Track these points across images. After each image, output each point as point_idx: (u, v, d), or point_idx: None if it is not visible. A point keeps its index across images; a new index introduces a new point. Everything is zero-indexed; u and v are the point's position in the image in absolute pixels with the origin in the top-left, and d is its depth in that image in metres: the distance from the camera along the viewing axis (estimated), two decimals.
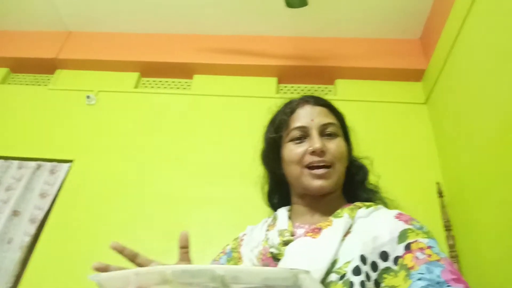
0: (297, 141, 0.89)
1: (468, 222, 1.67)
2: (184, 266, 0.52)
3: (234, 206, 1.88)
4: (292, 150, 0.89)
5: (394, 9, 2.27)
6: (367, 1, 2.24)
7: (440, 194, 1.84)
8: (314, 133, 0.87)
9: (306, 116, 0.91)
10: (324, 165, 0.85)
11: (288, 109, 0.95)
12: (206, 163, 2.06)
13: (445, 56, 1.97)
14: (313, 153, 0.85)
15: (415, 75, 2.31)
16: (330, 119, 0.91)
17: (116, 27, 2.57)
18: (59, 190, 2.02)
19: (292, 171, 0.88)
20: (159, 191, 1.99)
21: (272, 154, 0.96)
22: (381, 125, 2.14)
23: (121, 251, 0.72)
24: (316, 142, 0.86)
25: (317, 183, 0.84)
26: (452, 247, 1.69)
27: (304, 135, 0.89)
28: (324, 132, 0.89)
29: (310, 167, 0.85)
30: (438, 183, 1.87)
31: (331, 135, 0.89)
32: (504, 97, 1.43)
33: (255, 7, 2.33)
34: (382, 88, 2.32)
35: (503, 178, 1.41)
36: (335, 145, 0.87)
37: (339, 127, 0.92)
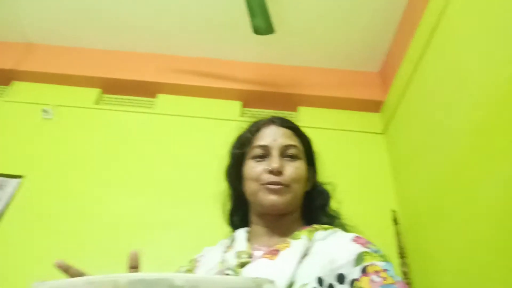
0: (258, 159, 0.91)
1: (422, 250, 1.72)
2: (141, 275, 0.48)
3: (194, 229, 1.84)
4: (252, 167, 0.90)
5: (356, 42, 2.37)
6: (330, 33, 2.32)
7: (395, 221, 1.89)
8: (275, 153, 0.89)
9: (269, 136, 0.93)
10: (280, 184, 0.86)
11: (254, 127, 0.97)
12: (166, 184, 2.02)
13: (403, 89, 2.07)
14: (271, 172, 0.86)
15: (374, 106, 2.40)
16: (293, 141, 0.93)
17: (79, 42, 2.51)
18: (6, 207, 1.91)
19: (250, 188, 0.90)
20: (114, 213, 1.91)
21: (235, 170, 0.97)
22: (341, 152, 2.19)
23: (66, 269, 0.68)
24: (274, 162, 0.87)
25: (271, 198, 0.85)
26: (406, 275, 1.73)
27: (265, 154, 0.90)
28: (285, 153, 0.90)
29: (266, 184, 0.86)
30: (393, 211, 1.92)
31: (292, 157, 0.90)
32: (456, 130, 1.51)
33: (223, 31, 2.36)
34: (343, 117, 2.38)
35: (455, 207, 1.48)
36: (293, 167, 0.89)
37: (302, 150, 0.94)
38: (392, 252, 1.80)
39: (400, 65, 2.13)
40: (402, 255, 1.78)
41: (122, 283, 0.48)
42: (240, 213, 1.02)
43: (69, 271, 0.69)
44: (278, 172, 0.86)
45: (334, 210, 0.98)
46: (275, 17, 2.04)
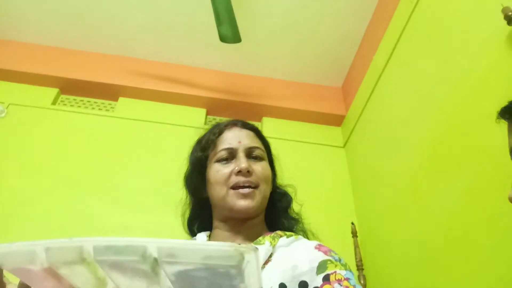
0: (224, 162, 0.89)
1: (379, 262, 1.76)
2: (109, 239, 0.41)
3: (152, 235, 1.79)
4: (218, 171, 0.88)
5: (320, 57, 2.42)
6: (295, 46, 2.36)
7: (354, 234, 1.92)
8: (241, 155, 0.89)
9: (233, 138, 0.92)
10: (249, 185, 0.85)
11: (216, 130, 0.95)
12: (125, 190, 1.96)
13: (363, 104, 2.13)
14: (239, 173, 0.86)
15: (336, 120, 2.45)
16: (256, 143, 0.93)
17: (39, 38, 2.41)
18: None
19: (217, 192, 0.88)
20: (69, 218, 1.83)
21: (196, 175, 0.95)
22: (303, 164, 2.21)
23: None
24: (242, 162, 0.87)
25: (243, 203, 0.84)
26: (363, 287, 1.76)
27: (231, 156, 0.90)
28: (250, 155, 0.90)
29: (236, 187, 0.85)
30: (352, 223, 1.96)
31: (257, 158, 0.91)
32: (413, 145, 1.57)
33: (189, 37, 2.34)
34: (305, 130, 2.42)
35: (410, 220, 1.52)
36: (260, 167, 0.89)
37: (265, 152, 0.94)
38: (350, 264, 1.82)
39: (362, 80, 2.19)
40: (359, 267, 1.82)
41: (87, 250, 0.41)
42: (200, 220, 1.00)
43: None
44: (247, 173, 0.86)
45: (296, 213, 0.98)
46: (243, 27, 2.05)
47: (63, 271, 0.45)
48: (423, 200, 1.45)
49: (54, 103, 2.29)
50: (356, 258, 1.84)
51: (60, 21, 2.32)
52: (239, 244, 0.39)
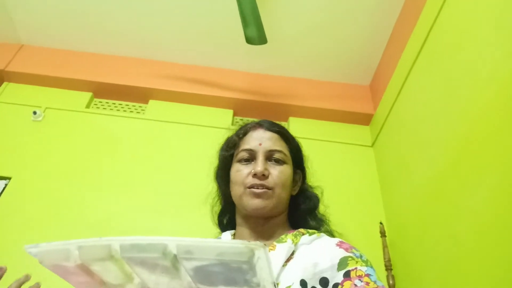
0: (244, 162, 0.92)
1: (408, 262, 1.73)
2: (134, 239, 0.46)
3: (184, 235, 1.83)
4: (238, 171, 0.91)
5: (347, 56, 2.41)
6: (322, 46, 2.36)
7: (383, 234, 1.90)
8: (260, 157, 0.90)
9: (255, 140, 0.93)
10: (263, 187, 0.87)
11: (242, 130, 0.98)
12: (156, 192, 2.01)
13: (392, 102, 2.10)
14: (255, 175, 0.87)
15: (364, 119, 2.43)
16: (279, 146, 0.94)
17: (72, 45, 2.51)
18: None
19: (236, 190, 0.91)
20: (101, 219, 1.89)
21: (222, 172, 0.98)
22: (330, 164, 2.21)
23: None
24: (259, 165, 0.88)
25: (254, 202, 0.86)
26: (392, 287, 1.74)
27: (251, 157, 0.92)
28: (271, 158, 0.91)
29: (251, 187, 0.87)
30: (381, 223, 1.94)
31: (278, 161, 0.91)
32: (442, 144, 1.54)
33: (216, 39, 2.38)
34: (333, 129, 2.41)
35: (439, 220, 1.50)
36: (278, 171, 0.90)
37: (288, 154, 0.95)
38: (379, 265, 1.81)
39: (390, 79, 2.16)
40: (388, 267, 1.80)
41: (115, 248, 0.46)
42: (228, 214, 1.02)
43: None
44: (262, 176, 0.87)
45: (322, 215, 0.99)
46: (269, 28, 2.06)
47: (94, 267, 0.49)
48: (453, 200, 1.42)
49: (88, 106, 2.38)
50: (384, 258, 1.82)
51: (91, 28, 2.40)
52: (249, 241, 0.42)
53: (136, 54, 2.51)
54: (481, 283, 1.20)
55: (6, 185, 1.97)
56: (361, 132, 2.41)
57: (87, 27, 2.41)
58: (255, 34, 1.97)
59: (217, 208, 1.05)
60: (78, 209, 1.92)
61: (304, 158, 1.02)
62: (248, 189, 0.87)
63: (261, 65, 2.50)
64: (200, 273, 0.45)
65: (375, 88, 2.45)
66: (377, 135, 2.28)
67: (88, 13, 2.33)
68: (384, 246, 1.86)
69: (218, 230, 1.04)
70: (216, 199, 1.05)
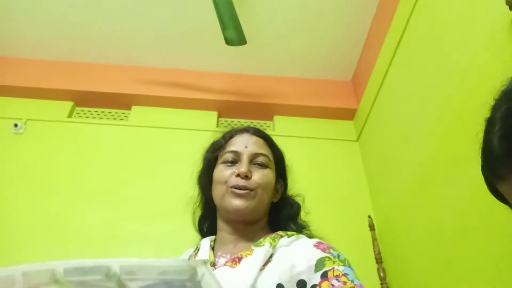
0: (229, 164, 0.93)
1: (397, 255, 1.75)
2: (77, 262, 0.46)
3: (168, 241, 1.82)
4: (221, 171, 0.92)
5: (328, 53, 2.42)
6: (302, 44, 2.37)
7: (372, 227, 1.92)
8: (245, 159, 0.91)
9: (241, 143, 0.95)
10: (246, 188, 0.88)
11: (228, 134, 0.99)
12: (142, 197, 2.00)
13: (374, 97, 2.12)
14: (238, 176, 0.88)
15: (348, 114, 2.45)
16: (264, 150, 0.95)
17: (51, 54, 2.47)
18: None
19: (218, 190, 0.91)
20: (87, 228, 1.87)
21: (205, 174, 0.98)
22: (317, 160, 2.22)
23: None
24: (242, 166, 0.90)
25: (236, 202, 0.87)
26: (383, 280, 1.76)
27: (236, 159, 0.93)
28: (254, 161, 0.93)
29: (233, 187, 0.88)
30: (369, 217, 1.96)
31: (261, 165, 0.93)
32: (425, 137, 1.56)
33: (196, 42, 2.37)
34: (317, 126, 2.42)
35: (425, 211, 1.52)
36: (261, 174, 0.91)
37: (272, 161, 0.96)
38: (369, 258, 1.83)
39: (371, 73, 2.18)
40: (378, 260, 1.81)
41: (59, 272, 0.46)
42: (208, 220, 1.03)
43: None
44: (245, 177, 0.88)
45: (303, 221, 1.00)
46: (248, 28, 2.06)
47: None
48: (437, 191, 1.44)
49: (69, 116, 2.35)
50: (374, 251, 1.84)
51: (69, 36, 2.37)
52: (190, 260, 0.42)
53: (116, 60, 2.49)
54: (469, 272, 1.22)
55: None
56: (346, 127, 2.43)
57: (65, 36, 2.37)
58: (234, 36, 1.97)
59: (199, 213, 1.05)
60: (63, 220, 1.90)
61: (286, 168, 1.03)
62: (230, 189, 0.88)
63: (243, 66, 2.50)
64: None
65: (357, 83, 2.47)
66: (362, 129, 2.30)
67: (66, 22, 2.30)
68: (374, 239, 1.88)
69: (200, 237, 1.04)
70: (197, 203, 1.05)
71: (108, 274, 0.44)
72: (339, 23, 2.26)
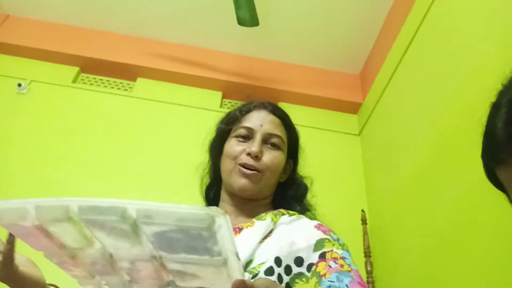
0: (241, 139, 0.92)
1: (386, 250, 1.77)
2: (93, 200, 0.44)
3: None
4: (232, 146, 0.91)
5: (339, 43, 2.40)
6: (314, 32, 2.34)
7: (364, 221, 1.93)
8: (258, 138, 0.90)
9: (257, 120, 0.93)
10: (254, 168, 0.87)
11: (245, 108, 0.97)
12: (140, 170, 2.00)
13: (380, 93, 2.11)
14: (249, 155, 0.87)
15: (352, 108, 2.44)
16: (278, 131, 0.93)
17: (60, 17, 2.44)
18: None
19: (226, 164, 0.91)
20: (84, 195, 1.88)
21: (217, 145, 0.98)
22: (316, 151, 2.20)
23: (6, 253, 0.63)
24: (255, 146, 0.88)
25: (242, 181, 0.86)
26: (369, 274, 1.78)
27: (249, 136, 0.91)
28: (267, 141, 0.91)
29: (242, 165, 0.87)
30: (363, 211, 1.97)
31: (274, 146, 0.91)
32: (425, 136, 1.56)
33: (208, 19, 2.34)
34: (321, 116, 2.41)
35: (418, 210, 1.53)
36: (272, 156, 0.90)
37: (285, 142, 0.95)
38: (358, 251, 1.84)
39: (380, 69, 2.17)
40: (367, 254, 1.83)
41: (73, 209, 0.45)
42: (215, 188, 1.02)
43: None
44: (255, 157, 0.87)
45: (309, 203, 1.00)
46: (262, 10, 2.04)
47: (52, 229, 0.48)
48: (433, 192, 1.45)
49: (74, 81, 2.34)
50: (364, 245, 1.85)
51: (81, 1, 2.34)
52: (210, 208, 0.40)
53: (126, 30, 2.46)
54: (456, 271, 1.23)
55: None
56: (349, 121, 2.42)
57: (77, 0, 2.34)
58: (247, 16, 1.95)
59: (207, 180, 1.04)
60: (59, 184, 1.90)
61: (299, 149, 1.02)
62: (238, 166, 0.87)
63: (252, 48, 2.48)
64: (161, 239, 0.44)
65: (365, 77, 2.45)
66: (364, 124, 2.30)
67: None
68: (365, 233, 1.89)
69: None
70: (206, 170, 1.04)
71: (123, 215, 0.43)
72: (353, 15, 2.24)
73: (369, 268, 1.79)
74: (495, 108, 0.51)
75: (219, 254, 0.43)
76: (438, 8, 1.64)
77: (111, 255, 0.50)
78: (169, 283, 0.51)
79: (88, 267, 0.53)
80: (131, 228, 0.44)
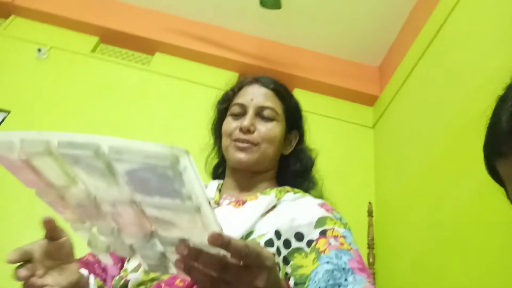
0: (235, 116, 0.93)
1: (390, 243, 1.78)
2: (70, 135, 0.45)
3: None
4: (228, 123, 0.93)
5: (360, 34, 2.36)
6: (336, 20, 2.31)
7: (370, 213, 1.93)
8: (250, 112, 0.91)
9: (248, 95, 0.94)
10: (247, 142, 0.88)
11: (238, 85, 0.99)
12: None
13: (398, 87, 2.08)
14: (241, 130, 0.88)
15: (369, 100, 2.42)
16: (271, 103, 0.93)
17: None
18: None
19: (224, 142, 0.93)
20: None
21: (217, 125, 0.99)
22: (329, 140, 2.20)
23: (51, 229, 0.63)
24: (246, 120, 0.89)
25: (238, 155, 0.88)
26: (371, 265, 1.79)
27: (242, 112, 0.92)
28: (261, 114, 0.92)
29: (236, 140, 0.89)
30: (370, 203, 1.97)
31: (267, 118, 0.91)
32: (439, 134, 1.55)
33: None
34: (336, 106, 2.39)
35: (424, 206, 1.53)
36: (265, 128, 0.90)
37: (281, 113, 0.94)
38: (362, 242, 1.85)
39: (400, 63, 2.14)
40: (370, 246, 1.84)
41: (53, 143, 0.46)
42: (222, 166, 1.04)
43: (53, 233, 0.63)
44: (247, 131, 0.89)
45: (314, 177, 1.00)
46: None
47: (36, 163, 0.49)
48: (441, 189, 1.44)
49: (93, 50, 2.35)
50: (368, 237, 1.85)
51: None
52: (172, 146, 0.40)
53: (147, 4, 2.46)
54: (458, 269, 1.23)
55: (4, 118, 1.97)
56: (364, 113, 2.40)
57: None
58: None
59: (213, 157, 1.06)
60: None
61: (302, 118, 1.01)
62: (233, 142, 0.89)
63: (271, 32, 2.45)
64: (134, 179, 0.44)
65: (384, 70, 2.42)
66: (380, 117, 2.28)
67: None
68: (370, 225, 1.89)
69: None
70: (212, 150, 1.06)
71: (97, 152, 0.43)
72: (377, 6, 2.20)
73: (371, 260, 1.79)
74: (502, 100, 0.50)
75: (189, 197, 0.42)
76: (464, 6, 1.60)
77: (95, 198, 0.50)
78: (152, 233, 0.51)
79: (77, 210, 0.54)
80: (106, 166, 0.44)
